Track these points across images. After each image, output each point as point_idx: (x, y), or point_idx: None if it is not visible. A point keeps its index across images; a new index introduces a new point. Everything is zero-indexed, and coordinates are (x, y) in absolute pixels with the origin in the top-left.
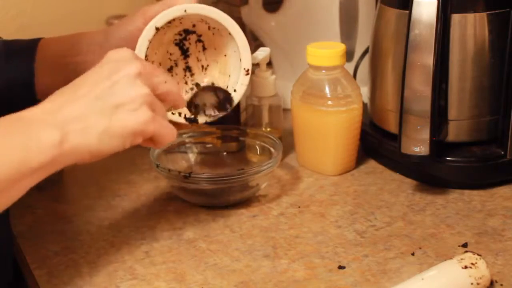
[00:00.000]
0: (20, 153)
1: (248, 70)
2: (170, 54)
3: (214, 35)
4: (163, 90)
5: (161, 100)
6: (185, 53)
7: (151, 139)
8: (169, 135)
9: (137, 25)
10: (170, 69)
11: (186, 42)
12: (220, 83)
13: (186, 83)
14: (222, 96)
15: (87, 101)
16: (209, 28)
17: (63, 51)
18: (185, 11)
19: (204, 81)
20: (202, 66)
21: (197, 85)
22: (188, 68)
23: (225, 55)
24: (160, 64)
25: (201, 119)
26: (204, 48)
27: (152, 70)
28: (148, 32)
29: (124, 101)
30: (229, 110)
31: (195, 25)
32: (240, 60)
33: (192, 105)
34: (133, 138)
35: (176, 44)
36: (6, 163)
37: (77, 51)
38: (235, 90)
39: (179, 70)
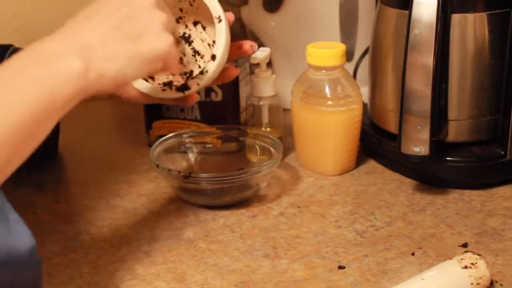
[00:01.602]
0: (45, 87)
1: (218, 16)
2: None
3: (198, 9)
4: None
5: None
6: (188, 40)
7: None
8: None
9: None
10: (180, 61)
11: (186, 30)
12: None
13: (199, 67)
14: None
15: (104, 29)
16: (191, 4)
17: None
18: None
19: None
20: (209, 45)
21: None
22: (196, 53)
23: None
24: None
25: (193, 86)
26: (203, 28)
27: None
28: None
29: (147, 28)
30: (214, 63)
31: (181, 9)
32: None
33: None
34: (158, 62)
35: (180, 37)
36: (33, 100)
37: None
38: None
39: (189, 58)
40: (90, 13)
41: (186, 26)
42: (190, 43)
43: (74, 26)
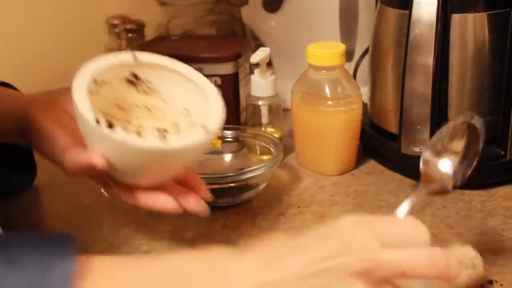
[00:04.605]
0: None
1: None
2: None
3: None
4: None
5: None
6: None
7: None
8: None
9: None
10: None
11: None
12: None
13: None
14: None
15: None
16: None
17: None
18: (134, 58)
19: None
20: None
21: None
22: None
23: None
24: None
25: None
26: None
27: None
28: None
29: None
30: (206, 136)
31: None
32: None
33: None
34: None
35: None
36: None
37: None
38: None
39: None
40: (300, 248)
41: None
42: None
43: (279, 256)
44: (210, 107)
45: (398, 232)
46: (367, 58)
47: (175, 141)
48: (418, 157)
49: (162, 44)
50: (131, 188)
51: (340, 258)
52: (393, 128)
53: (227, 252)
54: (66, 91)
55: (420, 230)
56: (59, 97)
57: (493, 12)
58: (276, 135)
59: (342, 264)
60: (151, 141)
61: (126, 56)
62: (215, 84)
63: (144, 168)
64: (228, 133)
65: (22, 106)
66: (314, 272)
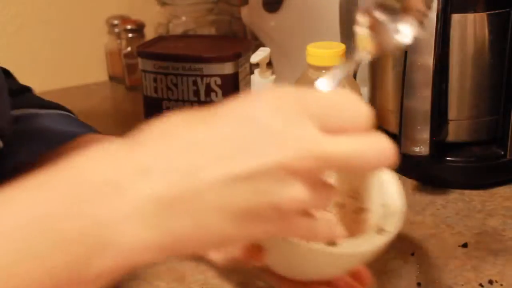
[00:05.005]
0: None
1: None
2: None
3: None
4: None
5: None
6: None
7: None
8: None
9: None
10: None
11: None
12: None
13: None
14: None
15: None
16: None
17: None
18: None
19: None
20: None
21: None
22: None
23: None
24: None
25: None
26: None
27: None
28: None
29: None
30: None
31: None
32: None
33: None
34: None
35: None
36: (56, 266)
37: None
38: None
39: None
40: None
41: None
42: None
43: (171, 148)
44: (388, 202)
45: (336, 112)
46: None
47: (350, 247)
48: (418, 157)
49: (162, 44)
50: (287, 278)
51: (274, 155)
52: (393, 128)
53: (110, 153)
54: None
55: (359, 107)
56: None
57: (493, 12)
58: None
59: (277, 162)
60: (320, 246)
61: None
62: (215, 84)
63: (309, 269)
64: None
65: None
66: (242, 175)
